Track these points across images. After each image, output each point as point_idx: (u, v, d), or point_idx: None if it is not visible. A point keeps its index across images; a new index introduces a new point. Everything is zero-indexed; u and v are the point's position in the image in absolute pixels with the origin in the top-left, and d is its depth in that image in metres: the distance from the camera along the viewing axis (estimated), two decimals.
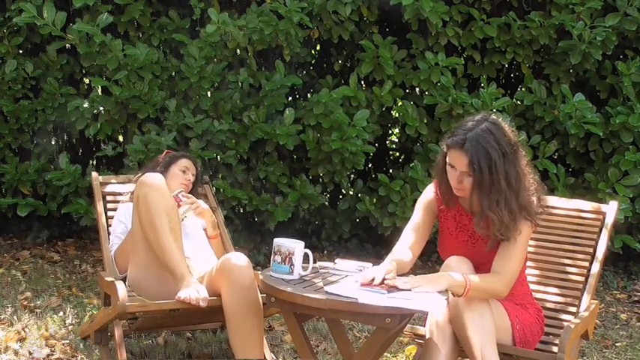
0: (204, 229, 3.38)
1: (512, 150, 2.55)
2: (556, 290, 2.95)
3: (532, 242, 2.92)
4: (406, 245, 2.73)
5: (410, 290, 2.46)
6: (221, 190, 4.46)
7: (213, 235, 3.36)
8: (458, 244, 2.71)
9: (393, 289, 2.43)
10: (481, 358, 2.38)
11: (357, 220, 5.00)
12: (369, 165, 5.38)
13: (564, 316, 2.88)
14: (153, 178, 3.01)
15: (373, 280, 2.44)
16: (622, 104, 4.57)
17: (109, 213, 3.50)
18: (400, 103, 4.75)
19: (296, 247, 2.57)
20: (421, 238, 2.77)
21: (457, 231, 2.72)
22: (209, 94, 4.59)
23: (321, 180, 4.88)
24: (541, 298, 2.91)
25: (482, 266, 2.63)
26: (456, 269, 2.52)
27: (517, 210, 2.54)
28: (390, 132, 5.52)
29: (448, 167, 2.60)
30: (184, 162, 3.42)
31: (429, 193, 2.81)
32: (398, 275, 2.52)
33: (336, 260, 2.82)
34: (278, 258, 2.57)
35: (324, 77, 4.80)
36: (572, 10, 4.49)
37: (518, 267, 2.61)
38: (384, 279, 2.45)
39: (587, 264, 2.93)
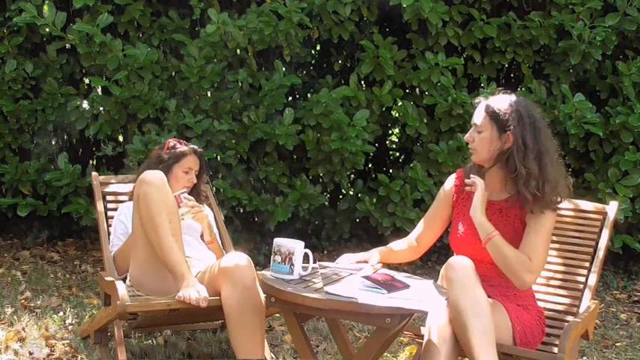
0: (201, 235, 3.37)
1: (531, 122, 2.63)
2: (556, 290, 2.95)
3: None
4: (412, 235, 2.93)
5: (409, 289, 2.46)
6: (221, 190, 4.46)
7: (209, 241, 3.34)
8: (471, 232, 2.71)
9: (394, 288, 2.43)
10: (481, 358, 2.38)
11: (357, 220, 5.00)
12: (369, 165, 5.39)
13: (564, 316, 2.88)
14: (153, 175, 2.99)
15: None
16: (622, 104, 4.57)
17: (109, 213, 3.49)
18: (400, 103, 4.75)
19: (296, 247, 2.57)
20: (432, 228, 2.89)
21: (471, 218, 2.72)
22: (209, 94, 4.59)
23: (321, 180, 4.88)
24: (541, 298, 2.90)
25: (487, 259, 2.64)
26: (458, 269, 2.52)
27: (540, 176, 2.61)
28: (390, 132, 5.53)
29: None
30: (188, 162, 3.33)
31: (447, 183, 2.90)
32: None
33: (340, 259, 2.82)
34: (278, 258, 2.57)
35: (324, 77, 4.81)
36: (572, 10, 4.49)
37: (543, 258, 2.65)
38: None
39: (587, 264, 2.93)
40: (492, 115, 2.65)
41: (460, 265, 2.55)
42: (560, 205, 3.04)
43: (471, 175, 2.70)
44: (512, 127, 2.61)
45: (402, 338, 3.54)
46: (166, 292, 2.93)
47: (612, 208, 2.97)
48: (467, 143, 2.73)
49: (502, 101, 2.67)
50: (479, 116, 2.69)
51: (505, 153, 2.64)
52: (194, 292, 2.78)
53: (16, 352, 3.27)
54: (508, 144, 2.63)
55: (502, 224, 2.68)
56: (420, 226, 2.92)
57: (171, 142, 3.39)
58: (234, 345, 2.87)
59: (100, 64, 4.45)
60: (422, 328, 2.79)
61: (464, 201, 2.80)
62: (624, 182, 4.48)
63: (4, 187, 4.80)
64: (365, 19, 4.77)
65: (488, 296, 2.54)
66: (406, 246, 2.90)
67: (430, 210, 2.91)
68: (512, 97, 2.69)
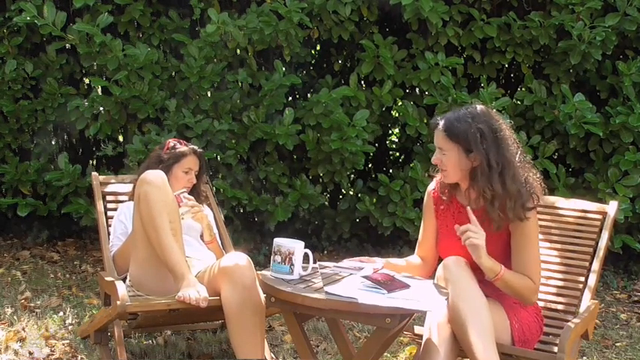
0: (201, 235, 3.37)
1: (493, 133, 2.57)
2: (556, 290, 2.95)
3: None
4: (415, 252, 2.90)
5: (409, 289, 2.47)
6: (221, 190, 4.46)
7: (209, 241, 3.35)
8: (455, 242, 2.71)
9: (394, 288, 2.43)
10: (481, 357, 2.38)
11: (357, 220, 5.00)
12: (369, 165, 5.38)
13: (564, 316, 2.88)
14: (154, 175, 3.00)
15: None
16: (622, 104, 4.57)
17: (109, 213, 3.49)
18: (400, 103, 4.75)
19: (296, 247, 2.57)
20: (429, 239, 2.85)
21: (454, 228, 2.72)
22: (209, 94, 4.59)
23: (321, 180, 4.88)
24: (541, 298, 2.90)
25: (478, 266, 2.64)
26: (454, 269, 2.52)
27: (502, 194, 2.56)
28: (390, 132, 5.53)
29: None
30: (188, 162, 3.34)
31: (426, 194, 2.88)
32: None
33: (344, 261, 2.82)
34: (278, 258, 2.57)
35: (324, 77, 4.81)
36: (572, 10, 4.49)
37: (539, 267, 2.64)
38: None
39: (587, 264, 2.93)
40: (453, 135, 2.59)
41: (456, 264, 2.55)
42: (560, 205, 3.07)
43: (463, 228, 2.56)
44: (476, 148, 2.55)
45: (402, 338, 3.54)
46: (166, 292, 2.93)
47: (612, 208, 2.97)
48: (435, 165, 2.70)
49: (461, 120, 2.59)
50: (439, 138, 2.63)
51: (474, 170, 2.61)
52: (194, 292, 2.78)
53: (16, 352, 3.27)
54: (476, 162, 2.59)
55: (486, 229, 2.66)
56: (419, 240, 2.90)
57: (171, 142, 3.39)
58: (234, 345, 2.87)
59: (100, 64, 4.45)
60: (417, 327, 2.80)
61: (444, 211, 2.79)
62: (624, 182, 4.48)
63: (4, 187, 4.80)
64: (365, 19, 4.76)
65: (486, 295, 2.53)
66: (405, 263, 2.87)
67: (422, 222, 2.89)
68: (470, 112, 2.61)
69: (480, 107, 2.66)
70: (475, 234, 2.52)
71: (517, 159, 2.63)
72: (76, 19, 4.54)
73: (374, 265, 2.73)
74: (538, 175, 2.71)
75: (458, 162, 2.62)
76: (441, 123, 2.64)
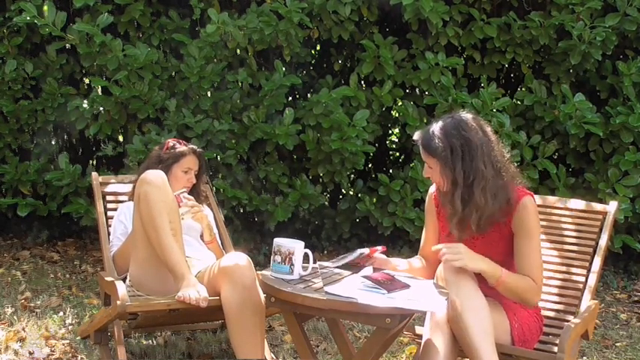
0: (201, 235, 3.37)
1: (464, 149, 2.55)
2: (556, 290, 2.95)
3: None
4: (419, 253, 2.90)
5: (409, 289, 2.47)
6: (221, 190, 4.46)
7: (209, 241, 3.35)
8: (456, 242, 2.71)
9: (394, 288, 2.44)
10: (480, 357, 2.38)
11: (357, 220, 5.00)
12: (369, 165, 5.38)
13: (564, 316, 2.88)
14: (154, 175, 3.00)
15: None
16: (622, 104, 4.57)
17: (109, 213, 3.49)
18: (400, 103, 4.75)
19: (296, 247, 2.57)
20: (433, 242, 2.83)
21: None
22: (209, 94, 4.59)
23: (321, 180, 4.88)
24: (541, 298, 2.89)
25: None
26: (454, 269, 2.52)
27: (463, 213, 2.57)
28: (390, 132, 5.53)
29: None
30: (187, 162, 3.34)
31: (428, 195, 2.87)
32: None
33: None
34: (278, 258, 2.57)
35: (324, 77, 4.81)
36: (572, 10, 4.49)
37: (542, 267, 2.64)
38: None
39: (587, 264, 2.93)
40: (431, 153, 2.59)
41: (453, 268, 2.54)
42: (560, 205, 3.07)
43: (443, 250, 2.56)
44: (445, 166, 2.56)
45: (402, 338, 3.55)
46: (166, 292, 2.93)
47: (612, 208, 2.97)
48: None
49: (433, 136, 2.58)
50: (421, 153, 2.64)
51: None
52: (194, 292, 2.78)
53: (16, 352, 3.27)
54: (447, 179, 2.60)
55: (488, 232, 2.66)
56: (422, 241, 2.90)
57: (171, 142, 3.39)
58: (234, 345, 2.87)
59: (100, 64, 4.45)
60: (418, 327, 2.80)
61: (445, 214, 2.79)
62: (624, 182, 4.48)
63: (4, 187, 4.80)
64: (365, 19, 4.76)
65: (485, 295, 2.54)
66: (407, 264, 2.85)
67: (425, 223, 2.89)
68: (444, 125, 2.58)
69: (455, 117, 2.62)
70: (455, 255, 2.50)
71: (498, 165, 2.58)
72: (76, 19, 4.54)
73: (374, 247, 2.76)
74: (519, 180, 2.69)
75: (441, 175, 2.61)
76: (419, 138, 2.64)
